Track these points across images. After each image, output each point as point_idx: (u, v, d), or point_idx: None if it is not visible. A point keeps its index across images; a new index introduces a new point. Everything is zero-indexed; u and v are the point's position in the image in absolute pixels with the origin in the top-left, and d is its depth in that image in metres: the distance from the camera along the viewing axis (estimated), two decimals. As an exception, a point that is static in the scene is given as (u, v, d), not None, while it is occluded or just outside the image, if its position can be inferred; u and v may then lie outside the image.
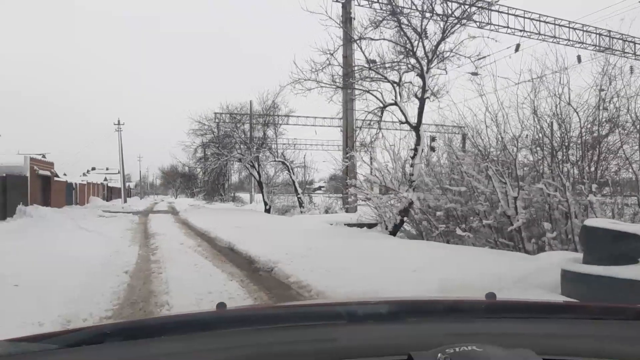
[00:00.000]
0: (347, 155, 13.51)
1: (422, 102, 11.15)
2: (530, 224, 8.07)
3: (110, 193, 48.63)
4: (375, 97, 11.91)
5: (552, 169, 7.81)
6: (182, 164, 27.67)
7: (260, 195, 24.90)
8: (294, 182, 22.69)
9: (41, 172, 23.70)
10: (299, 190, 22.60)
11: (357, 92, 12.99)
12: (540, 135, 8.03)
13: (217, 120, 24.16)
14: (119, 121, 41.75)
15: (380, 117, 12.26)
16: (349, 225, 13.21)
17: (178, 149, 32.39)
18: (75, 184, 33.15)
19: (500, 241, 8.10)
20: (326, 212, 20.52)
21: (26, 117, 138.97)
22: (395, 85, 11.60)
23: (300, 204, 22.18)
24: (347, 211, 18.91)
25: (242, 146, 22.79)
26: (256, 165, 23.07)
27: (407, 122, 11.29)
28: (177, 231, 13.24)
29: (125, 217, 19.15)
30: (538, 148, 8.26)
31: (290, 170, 22.77)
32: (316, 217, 17.65)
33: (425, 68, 11.02)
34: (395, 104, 11.55)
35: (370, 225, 12.99)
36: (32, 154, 28.56)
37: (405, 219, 10.85)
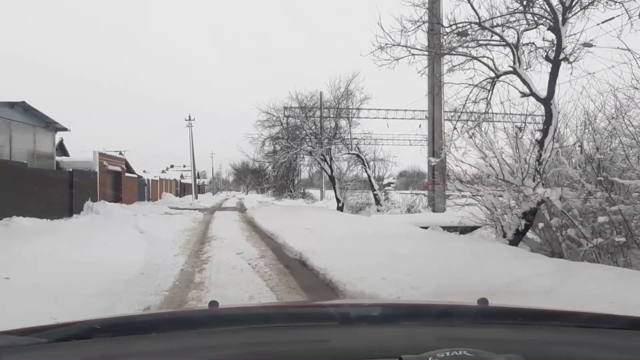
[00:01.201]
0: (445, 142, 10.78)
1: (555, 64, 8.21)
2: None
3: (183, 189, 49.18)
4: (487, 65, 9.16)
5: None
6: (252, 160, 26.31)
7: (332, 191, 22.85)
8: (369, 176, 20.28)
9: (111, 167, 23.28)
10: (376, 187, 20.15)
11: (455, 61, 10.24)
12: None
13: (286, 115, 22.26)
14: (189, 117, 41.75)
15: (490, 90, 9.49)
16: (447, 229, 10.55)
17: (245, 142, 31.22)
18: (148, 180, 33.17)
19: None
20: (408, 211, 17.84)
21: (112, 117, 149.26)
22: (513, 48, 8.79)
23: (377, 202, 19.71)
24: (434, 211, 16.21)
25: (312, 138, 20.69)
26: (327, 159, 20.92)
27: (532, 94, 8.43)
28: (239, 234, 11.34)
29: (189, 215, 17.87)
30: None
31: (366, 164, 20.35)
32: (399, 217, 15.10)
33: (560, 19, 8.10)
34: (514, 71, 8.71)
35: (473, 228, 10.35)
36: (110, 151, 28.72)
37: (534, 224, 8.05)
